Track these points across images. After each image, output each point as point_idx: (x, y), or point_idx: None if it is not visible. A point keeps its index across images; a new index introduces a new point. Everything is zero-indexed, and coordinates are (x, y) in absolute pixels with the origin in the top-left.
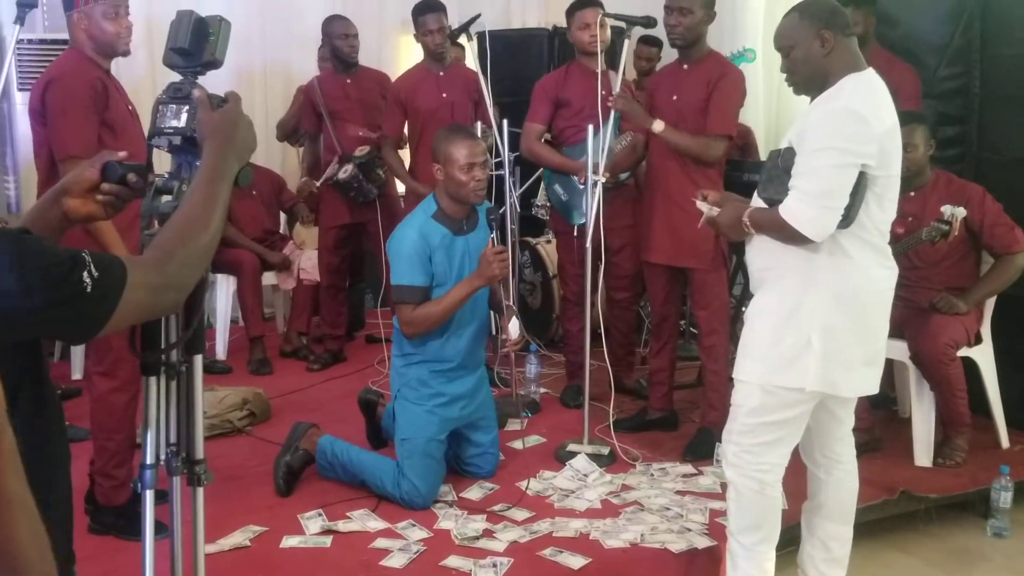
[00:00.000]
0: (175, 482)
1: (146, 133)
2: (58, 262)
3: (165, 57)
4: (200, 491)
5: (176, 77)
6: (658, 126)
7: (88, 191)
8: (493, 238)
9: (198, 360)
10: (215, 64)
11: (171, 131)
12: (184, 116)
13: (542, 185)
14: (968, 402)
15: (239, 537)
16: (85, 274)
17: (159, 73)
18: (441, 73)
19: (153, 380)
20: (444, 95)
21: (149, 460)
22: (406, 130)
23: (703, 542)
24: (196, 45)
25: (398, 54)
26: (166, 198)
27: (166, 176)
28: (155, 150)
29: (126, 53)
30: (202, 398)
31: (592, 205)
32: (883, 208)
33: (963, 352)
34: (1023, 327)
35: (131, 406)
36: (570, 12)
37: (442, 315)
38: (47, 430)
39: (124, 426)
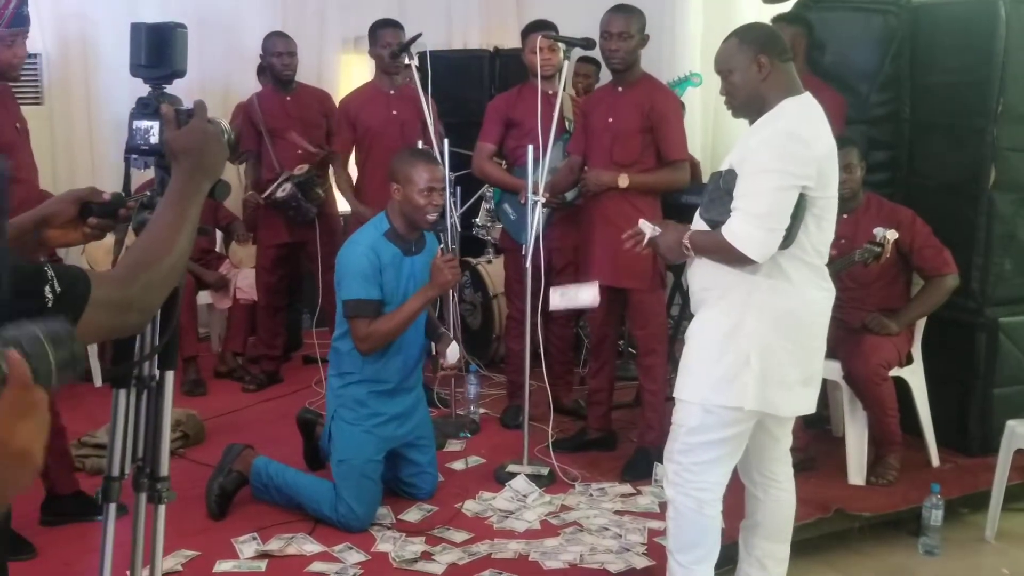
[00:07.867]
0: (141, 499)
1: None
2: (22, 276)
3: (130, 68)
4: (162, 508)
5: None
6: (623, 180)
7: (68, 223)
8: (442, 247)
9: (169, 376)
10: (179, 74)
11: (146, 149)
12: (153, 136)
13: (482, 205)
14: (899, 421)
15: (171, 562)
16: (47, 289)
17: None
18: (391, 91)
19: (123, 392)
20: (394, 112)
21: (114, 473)
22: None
23: (642, 562)
24: (155, 58)
25: (339, 73)
26: (149, 214)
27: (148, 194)
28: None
29: (15, 79)
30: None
31: (532, 225)
32: (821, 229)
33: (894, 372)
34: (953, 348)
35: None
36: (523, 35)
37: (397, 328)
38: None
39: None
